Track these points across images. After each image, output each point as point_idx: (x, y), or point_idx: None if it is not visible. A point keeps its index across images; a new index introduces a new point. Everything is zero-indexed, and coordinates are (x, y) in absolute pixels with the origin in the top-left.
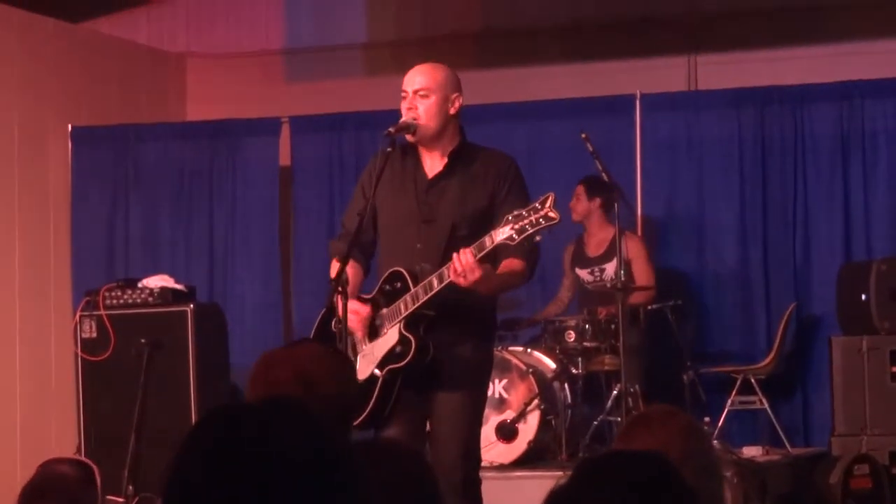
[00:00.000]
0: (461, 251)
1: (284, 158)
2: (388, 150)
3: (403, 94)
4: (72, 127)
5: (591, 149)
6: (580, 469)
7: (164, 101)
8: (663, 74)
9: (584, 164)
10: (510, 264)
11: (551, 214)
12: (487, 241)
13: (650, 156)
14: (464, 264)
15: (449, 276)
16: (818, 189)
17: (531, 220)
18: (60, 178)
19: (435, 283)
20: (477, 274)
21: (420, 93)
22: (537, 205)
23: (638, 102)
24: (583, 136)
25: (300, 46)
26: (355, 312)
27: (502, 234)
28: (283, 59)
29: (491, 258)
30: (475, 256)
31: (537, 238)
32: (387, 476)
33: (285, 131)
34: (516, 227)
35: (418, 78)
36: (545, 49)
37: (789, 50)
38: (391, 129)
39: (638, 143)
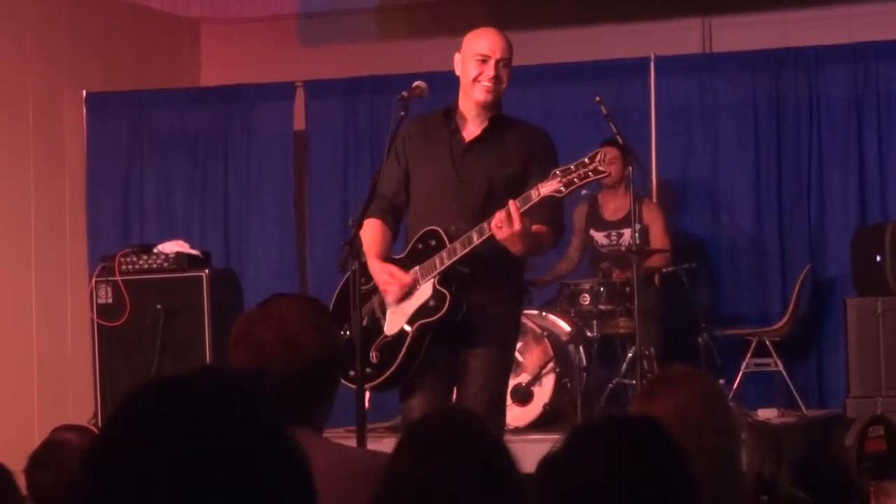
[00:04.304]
0: (509, 203)
1: (299, 123)
2: (402, 114)
3: (481, 58)
4: (86, 93)
5: (605, 112)
6: (574, 434)
7: (178, 67)
8: (678, 37)
9: (598, 128)
10: (539, 228)
11: (601, 168)
12: (534, 193)
13: (664, 118)
14: (505, 214)
15: (489, 230)
16: (833, 151)
17: (579, 174)
18: (75, 144)
19: (475, 237)
20: (517, 226)
21: (502, 62)
22: (586, 160)
23: (652, 65)
24: (597, 98)
25: (314, 10)
26: (397, 278)
27: (550, 187)
28: (297, 23)
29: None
30: (519, 209)
31: (584, 192)
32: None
33: (300, 96)
34: (564, 180)
35: (502, 46)
36: (558, 12)
37: (804, 11)
38: (404, 94)
39: (652, 106)
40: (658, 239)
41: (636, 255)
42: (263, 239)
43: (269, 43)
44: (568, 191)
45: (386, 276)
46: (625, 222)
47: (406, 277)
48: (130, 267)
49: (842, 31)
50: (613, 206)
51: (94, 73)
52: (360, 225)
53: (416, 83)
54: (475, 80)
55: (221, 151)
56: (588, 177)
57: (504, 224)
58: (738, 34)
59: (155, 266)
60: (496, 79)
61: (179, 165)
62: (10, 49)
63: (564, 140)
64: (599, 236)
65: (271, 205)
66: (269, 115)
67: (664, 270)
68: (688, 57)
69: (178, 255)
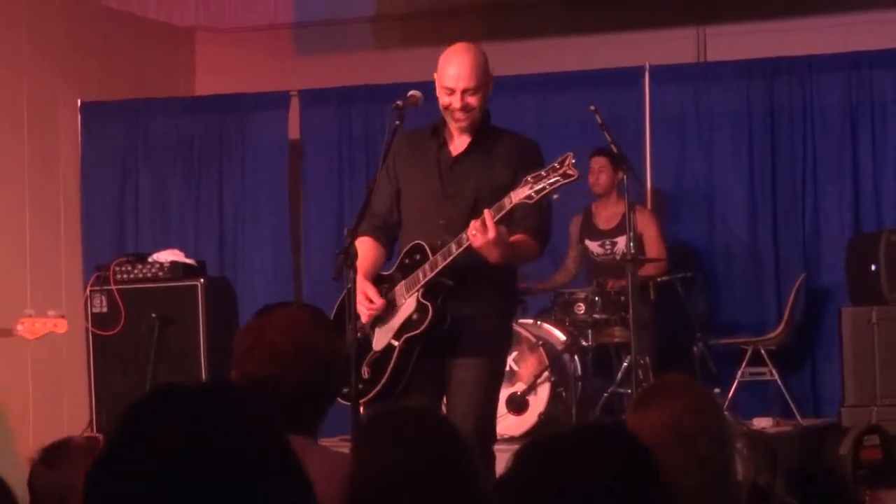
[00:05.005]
0: (484, 211)
1: (294, 132)
2: (397, 123)
3: (448, 91)
4: (81, 102)
5: (599, 121)
6: (524, 454)
7: (173, 76)
8: (672, 46)
9: (593, 137)
10: (521, 238)
11: (570, 172)
12: (506, 201)
13: (659, 128)
14: (480, 222)
15: (467, 240)
16: (827, 160)
17: (550, 179)
18: (70, 153)
19: (454, 248)
20: (492, 234)
21: (469, 91)
22: (556, 164)
23: (646, 74)
24: (591, 108)
25: (309, 20)
26: (370, 301)
27: (521, 193)
28: (292, 32)
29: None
30: (493, 217)
31: (555, 196)
32: (412, 440)
33: (294, 105)
34: (535, 186)
35: (465, 75)
36: (553, 21)
37: (798, 20)
38: (399, 103)
39: (647, 115)
40: (652, 245)
41: (631, 264)
42: (258, 248)
43: (264, 52)
44: (539, 196)
45: (361, 297)
46: (618, 230)
47: (377, 302)
48: (125, 276)
49: (836, 39)
50: (606, 214)
51: (89, 82)
52: (355, 234)
53: (411, 92)
54: (446, 108)
55: (216, 160)
56: (558, 181)
57: (479, 232)
58: (733, 43)
59: (150, 275)
60: (464, 109)
61: (174, 174)
62: (6, 57)
63: (559, 149)
64: (594, 246)
65: (266, 214)
66: (264, 124)
67: (659, 279)
68: (682, 66)
69: (173, 264)
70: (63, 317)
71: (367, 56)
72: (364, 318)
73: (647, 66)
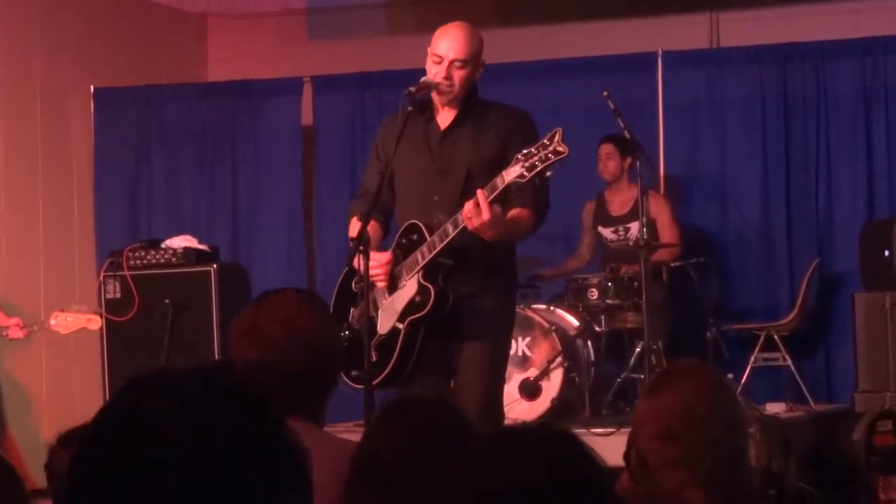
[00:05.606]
0: (477, 192)
1: (307, 118)
2: (409, 108)
3: (437, 59)
4: (94, 88)
5: (612, 107)
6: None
7: (185, 62)
8: (685, 32)
9: (606, 123)
10: (518, 213)
11: (560, 149)
12: (499, 181)
13: (672, 113)
14: (474, 204)
15: (463, 222)
16: (840, 145)
17: (540, 156)
18: (83, 139)
19: (450, 229)
20: (486, 216)
21: (457, 63)
22: (545, 141)
23: (660, 60)
24: (604, 93)
25: (322, 5)
26: (376, 260)
27: (513, 172)
28: (304, 18)
29: (500, 205)
30: (486, 198)
31: (548, 174)
32: (422, 430)
33: (307, 91)
34: (526, 164)
35: (457, 48)
36: (566, 6)
37: (811, 6)
38: (412, 89)
39: (660, 101)
40: (666, 230)
41: (644, 249)
42: (271, 234)
43: (276, 38)
44: (531, 174)
45: (372, 262)
46: (631, 216)
47: (384, 257)
48: (138, 262)
49: (849, 25)
50: (619, 200)
51: (101, 69)
52: (367, 220)
53: (423, 78)
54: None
55: (229, 147)
56: (549, 158)
57: (473, 214)
58: (746, 29)
59: (163, 261)
60: (447, 78)
61: (187, 160)
62: (18, 44)
63: (572, 134)
64: (607, 232)
65: (279, 200)
66: (277, 110)
67: (672, 265)
68: (695, 52)
69: (186, 250)
70: (97, 313)
71: (380, 42)
72: (382, 282)
73: (661, 52)
